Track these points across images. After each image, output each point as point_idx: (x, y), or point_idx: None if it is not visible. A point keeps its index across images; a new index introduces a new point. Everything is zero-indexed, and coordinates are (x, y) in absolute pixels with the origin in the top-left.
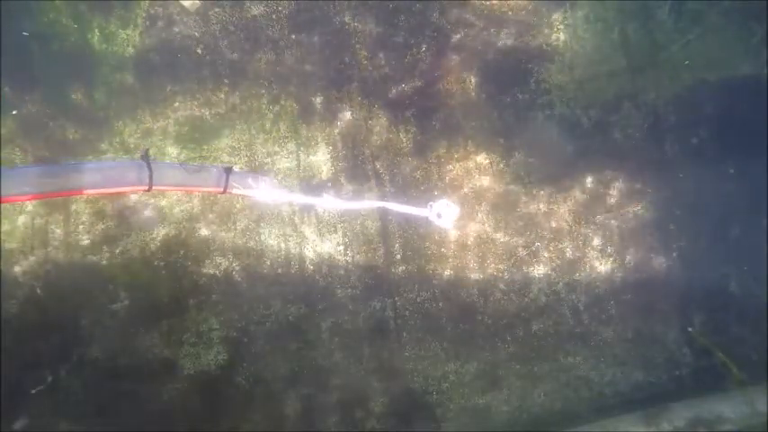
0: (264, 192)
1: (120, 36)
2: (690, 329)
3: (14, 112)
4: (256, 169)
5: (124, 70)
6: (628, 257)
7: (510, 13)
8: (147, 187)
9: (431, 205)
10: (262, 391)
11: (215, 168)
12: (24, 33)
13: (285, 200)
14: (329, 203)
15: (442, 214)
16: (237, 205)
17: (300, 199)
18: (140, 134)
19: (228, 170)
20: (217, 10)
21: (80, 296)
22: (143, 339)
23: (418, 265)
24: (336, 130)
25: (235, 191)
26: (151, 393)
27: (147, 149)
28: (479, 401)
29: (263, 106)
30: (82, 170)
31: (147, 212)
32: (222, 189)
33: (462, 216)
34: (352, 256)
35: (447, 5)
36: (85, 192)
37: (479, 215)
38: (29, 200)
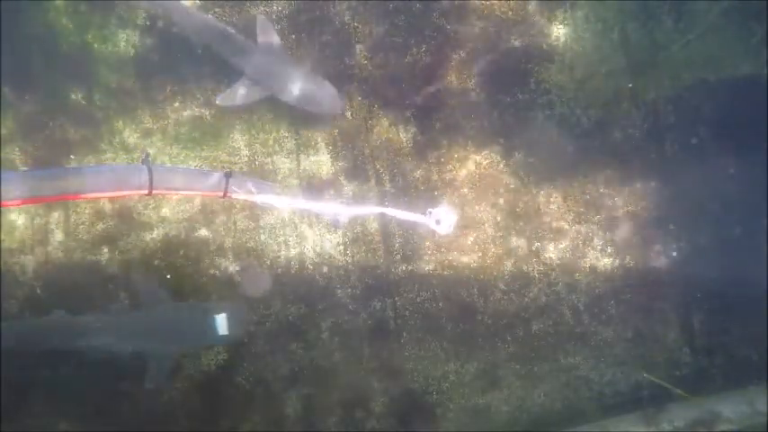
0: (264, 196)
1: (120, 36)
2: (645, 375)
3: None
4: (256, 170)
5: (124, 70)
6: (628, 257)
7: (510, 13)
8: (147, 191)
9: (429, 212)
10: (262, 391)
11: (215, 172)
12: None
13: (285, 204)
14: (329, 209)
15: (441, 220)
16: (237, 206)
17: (300, 204)
18: (140, 134)
19: (228, 174)
20: (217, 10)
21: (80, 296)
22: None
23: (418, 265)
24: (336, 130)
25: (235, 195)
26: (151, 393)
27: (148, 153)
28: (479, 401)
29: (264, 106)
30: (83, 174)
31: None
32: (222, 193)
33: (462, 216)
34: (352, 256)
35: (447, 5)
36: (86, 195)
37: (479, 215)
38: (30, 203)
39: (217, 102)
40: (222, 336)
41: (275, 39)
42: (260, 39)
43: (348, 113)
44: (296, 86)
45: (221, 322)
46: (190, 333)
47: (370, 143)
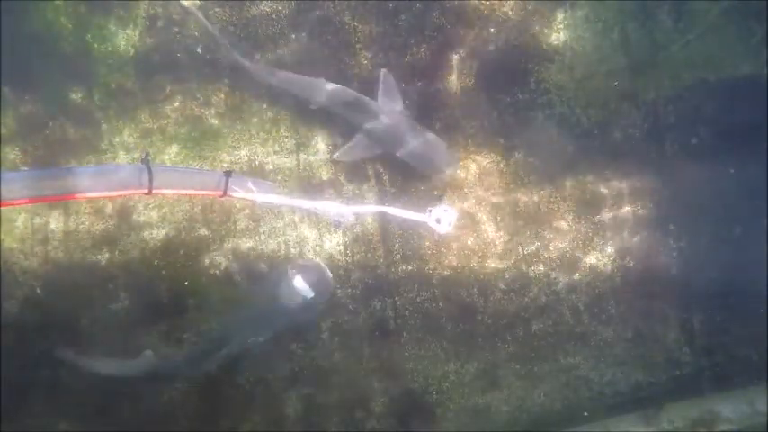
0: (264, 196)
1: (119, 36)
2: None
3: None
4: (256, 169)
5: (124, 70)
6: (628, 257)
7: (510, 12)
8: (147, 191)
9: (429, 210)
10: (262, 391)
11: (215, 172)
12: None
13: (284, 204)
14: (329, 208)
15: (441, 219)
16: (237, 205)
17: (300, 203)
18: (140, 134)
19: (228, 174)
20: (217, 10)
21: (80, 296)
22: (143, 339)
23: (418, 265)
24: (336, 130)
25: (234, 194)
26: (151, 393)
27: (148, 153)
28: (479, 401)
29: (263, 106)
30: (82, 173)
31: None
32: (222, 192)
33: (462, 216)
34: (352, 256)
35: (447, 5)
36: (86, 195)
37: (479, 215)
38: (29, 203)
39: (334, 157)
40: (312, 298)
41: (396, 96)
42: (380, 95)
43: None
44: (415, 147)
45: (300, 285)
46: (286, 311)
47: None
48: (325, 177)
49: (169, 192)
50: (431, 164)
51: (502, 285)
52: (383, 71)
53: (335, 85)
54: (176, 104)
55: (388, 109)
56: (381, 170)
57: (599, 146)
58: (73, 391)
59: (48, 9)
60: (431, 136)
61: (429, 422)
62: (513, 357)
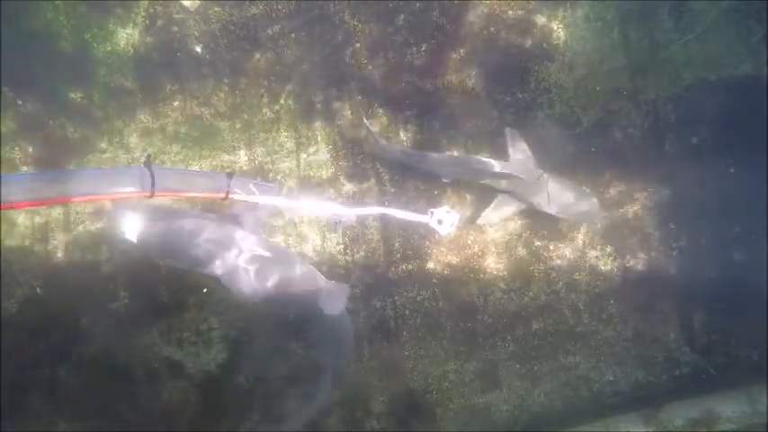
0: (265, 197)
1: (119, 35)
2: None
3: None
4: (256, 169)
5: (123, 70)
6: (628, 257)
7: (510, 12)
8: (148, 193)
9: (431, 212)
10: (262, 391)
11: (216, 173)
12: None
13: (286, 206)
14: (329, 209)
15: (443, 220)
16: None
17: (301, 205)
18: (140, 133)
19: (230, 176)
20: (216, 9)
21: (80, 296)
22: (143, 339)
23: (418, 264)
24: (336, 130)
25: (236, 197)
26: (151, 393)
27: (149, 155)
28: (479, 401)
29: (263, 106)
30: (83, 176)
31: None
32: (224, 195)
33: (462, 216)
34: (352, 256)
35: (447, 5)
36: (87, 198)
37: (479, 215)
38: (30, 206)
39: (478, 222)
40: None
41: (527, 151)
42: (511, 152)
43: (348, 112)
44: (554, 197)
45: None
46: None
47: (370, 142)
48: (325, 177)
49: (170, 194)
50: (577, 212)
51: (502, 285)
52: (508, 129)
53: (479, 158)
54: (176, 104)
55: (519, 164)
56: (381, 170)
57: (599, 145)
58: (73, 391)
59: (48, 9)
60: (566, 182)
61: (429, 422)
62: (513, 357)
